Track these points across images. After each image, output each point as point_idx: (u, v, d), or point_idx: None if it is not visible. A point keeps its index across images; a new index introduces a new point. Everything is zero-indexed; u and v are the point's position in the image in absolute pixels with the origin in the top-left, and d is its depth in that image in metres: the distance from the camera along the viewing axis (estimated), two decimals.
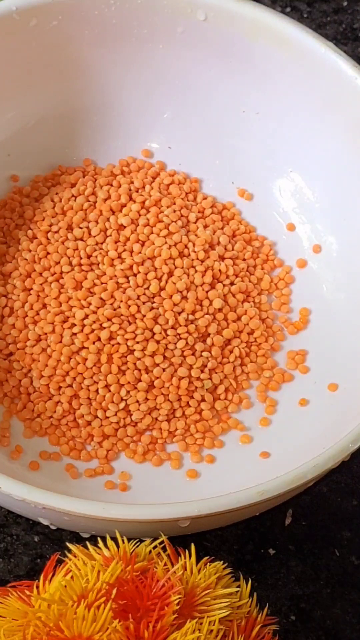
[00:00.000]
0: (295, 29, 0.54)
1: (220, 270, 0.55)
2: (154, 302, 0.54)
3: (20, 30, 0.54)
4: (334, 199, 0.57)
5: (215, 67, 0.57)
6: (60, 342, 0.52)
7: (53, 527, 0.50)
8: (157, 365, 0.53)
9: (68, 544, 0.41)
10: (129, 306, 0.53)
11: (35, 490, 0.44)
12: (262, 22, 0.54)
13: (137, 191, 0.57)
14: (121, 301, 0.53)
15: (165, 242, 0.55)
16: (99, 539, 0.42)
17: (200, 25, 0.55)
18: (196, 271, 0.55)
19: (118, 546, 0.41)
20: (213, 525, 0.50)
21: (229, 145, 0.59)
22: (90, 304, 0.53)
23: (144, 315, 0.53)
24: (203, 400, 0.53)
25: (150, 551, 0.41)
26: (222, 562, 0.42)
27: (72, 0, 0.55)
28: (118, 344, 0.52)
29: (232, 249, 0.57)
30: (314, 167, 0.58)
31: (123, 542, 0.41)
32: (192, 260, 0.55)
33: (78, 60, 0.57)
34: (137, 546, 0.41)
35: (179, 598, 0.39)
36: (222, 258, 0.56)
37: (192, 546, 0.41)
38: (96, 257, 0.54)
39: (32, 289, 0.54)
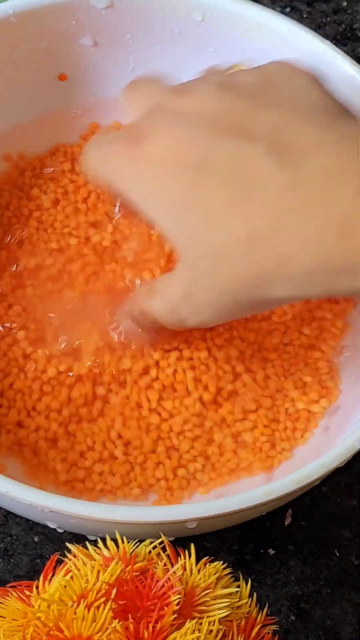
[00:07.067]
0: (294, 29, 0.54)
1: None
2: None
3: (19, 31, 0.54)
4: None
5: None
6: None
7: (60, 531, 0.50)
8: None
9: (68, 544, 0.41)
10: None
11: (43, 494, 0.43)
12: (260, 22, 0.54)
13: None
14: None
15: None
16: (98, 539, 0.41)
17: (197, 25, 0.55)
18: None
19: (118, 546, 0.41)
20: (219, 526, 0.50)
21: None
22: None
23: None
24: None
25: (150, 551, 0.41)
26: (221, 562, 0.42)
27: (71, 0, 0.55)
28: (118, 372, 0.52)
29: None
30: None
31: (123, 542, 0.41)
32: None
33: (76, 60, 0.57)
34: (137, 546, 0.41)
35: (179, 598, 0.39)
36: None
37: (192, 546, 0.41)
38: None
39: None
